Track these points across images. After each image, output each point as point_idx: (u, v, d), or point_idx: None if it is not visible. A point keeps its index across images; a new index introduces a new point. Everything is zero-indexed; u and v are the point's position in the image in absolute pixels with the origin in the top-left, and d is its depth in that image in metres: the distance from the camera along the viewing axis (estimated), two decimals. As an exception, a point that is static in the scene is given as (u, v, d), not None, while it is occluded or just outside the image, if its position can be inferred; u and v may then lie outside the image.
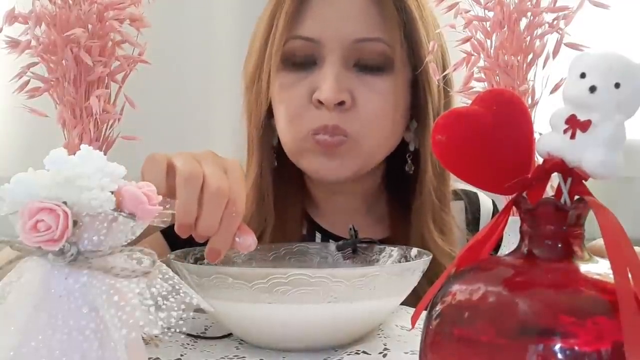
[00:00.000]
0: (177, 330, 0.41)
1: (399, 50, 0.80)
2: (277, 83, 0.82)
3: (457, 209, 0.91)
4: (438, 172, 0.86)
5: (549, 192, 0.42)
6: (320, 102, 0.79)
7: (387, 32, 0.80)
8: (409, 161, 0.86)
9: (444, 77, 0.85)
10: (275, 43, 0.81)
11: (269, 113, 0.85)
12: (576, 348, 0.35)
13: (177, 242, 0.68)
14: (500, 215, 0.43)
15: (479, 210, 0.97)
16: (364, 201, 0.91)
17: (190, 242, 0.69)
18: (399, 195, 0.89)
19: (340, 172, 0.82)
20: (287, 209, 0.87)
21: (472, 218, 0.95)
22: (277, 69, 0.81)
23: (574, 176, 0.39)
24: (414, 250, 0.70)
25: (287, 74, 0.82)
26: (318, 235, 0.90)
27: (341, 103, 0.79)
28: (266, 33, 0.83)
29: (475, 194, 0.98)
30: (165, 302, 0.42)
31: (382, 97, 0.81)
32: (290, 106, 0.81)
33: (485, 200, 0.98)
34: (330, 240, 0.88)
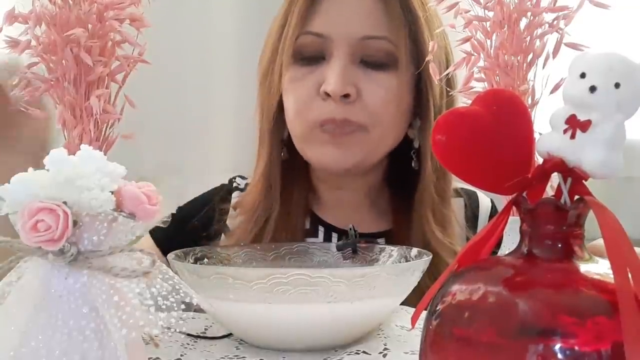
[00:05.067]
0: (177, 330, 0.41)
1: (403, 49, 0.84)
2: (287, 76, 0.86)
3: (458, 206, 0.94)
4: (439, 168, 0.88)
5: (549, 192, 0.42)
6: (327, 94, 0.82)
7: (393, 31, 0.84)
8: (414, 158, 0.89)
9: (447, 76, 0.86)
10: (288, 38, 0.85)
11: (280, 108, 0.88)
12: (576, 348, 0.35)
13: (170, 247, 0.68)
14: (500, 215, 0.43)
15: (478, 208, 0.98)
16: (367, 196, 0.93)
17: (185, 246, 0.69)
18: (401, 190, 0.92)
19: (344, 161, 0.85)
20: (292, 199, 0.90)
21: (472, 216, 0.97)
22: (288, 63, 0.85)
23: (574, 176, 0.39)
24: (414, 251, 0.70)
25: (297, 68, 0.86)
26: (321, 229, 0.92)
27: (346, 95, 0.82)
28: (280, 29, 0.87)
29: (475, 192, 1.00)
30: (165, 302, 0.42)
31: (386, 91, 0.84)
32: (299, 97, 0.85)
33: (484, 199, 1.00)
34: (333, 234, 0.90)
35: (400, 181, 0.92)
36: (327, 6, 0.85)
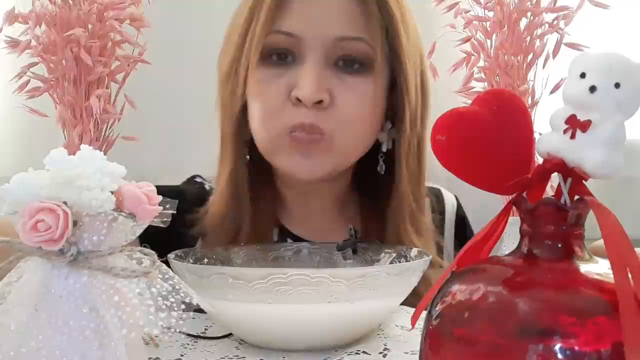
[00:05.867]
0: (177, 330, 0.41)
1: (379, 51, 0.79)
2: (254, 78, 0.80)
3: (425, 207, 0.90)
4: (414, 174, 0.85)
5: (549, 192, 0.42)
6: (298, 99, 0.77)
7: (369, 32, 0.79)
8: (381, 162, 0.85)
9: (422, 82, 0.83)
10: (256, 37, 0.78)
11: (244, 109, 0.83)
12: (576, 348, 0.35)
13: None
14: (500, 215, 0.43)
15: (444, 208, 0.96)
16: (335, 202, 0.90)
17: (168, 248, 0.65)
18: (369, 194, 0.88)
19: (316, 171, 0.80)
20: (260, 210, 0.84)
21: (439, 217, 0.94)
22: (255, 63, 0.79)
23: (574, 176, 0.39)
24: (414, 251, 0.70)
25: (265, 70, 0.80)
26: (289, 242, 0.86)
27: (319, 102, 0.77)
28: (245, 26, 0.80)
29: (439, 190, 0.97)
30: (165, 302, 0.42)
31: (361, 97, 0.80)
32: (267, 102, 0.80)
33: (449, 197, 0.98)
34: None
35: (369, 184, 0.88)
36: (300, 3, 0.79)
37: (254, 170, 0.84)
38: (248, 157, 0.84)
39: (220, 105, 0.86)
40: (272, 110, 0.79)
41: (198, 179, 0.94)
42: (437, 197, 0.96)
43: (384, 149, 0.85)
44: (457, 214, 0.97)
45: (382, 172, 0.85)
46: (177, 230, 0.75)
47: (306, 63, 0.78)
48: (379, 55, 0.79)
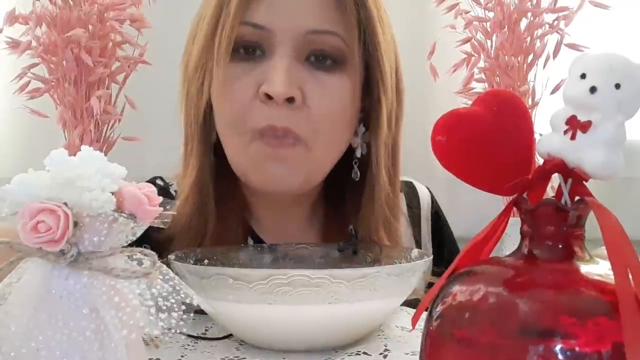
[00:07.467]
0: (178, 331, 0.41)
1: (355, 48, 0.74)
2: (221, 74, 0.73)
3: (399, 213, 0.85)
4: (391, 180, 0.81)
5: (550, 192, 0.42)
6: (268, 96, 0.71)
7: (344, 27, 0.73)
8: (355, 168, 0.80)
9: (397, 80, 0.80)
10: (227, 29, 0.72)
11: (210, 107, 0.77)
12: (577, 349, 0.35)
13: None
14: (500, 216, 0.43)
15: (419, 205, 0.93)
16: (305, 208, 0.85)
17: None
18: (339, 199, 0.83)
19: (291, 181, 0.75)
20: (228, 214, 0.79)
21: (414, 209, 0.91)
22: (223, 58, 0.73)
23: (575, 177, 0.39)
24: (415, 251, 0.70)
25: (232, 65, 0.73)
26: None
27: (290, 99, 0.71)
28: (214, 19, 0.74)
29: (412, 183, 0.94)
30: (165, 303, 0.42)
31: (335, 96, 0.74)
32: (235, 101, 0.74)
33: (422, 189, 0.95)
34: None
35: (339, 188, 0.83)
36: None
37: (220, 174, 0.79)
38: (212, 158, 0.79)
39: (185, 103, 0.80)
40: (240, 109, 0.73)
41: (159, 182, 0.88)
42: (411, 191, 0.92)
43: (359, 154, 0.80)
44: (431, 210, 0.94)
45: (357, 179, 0.80)
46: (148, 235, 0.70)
47: (276, 57, 0.72)
48: (355, 51, 0.74)
